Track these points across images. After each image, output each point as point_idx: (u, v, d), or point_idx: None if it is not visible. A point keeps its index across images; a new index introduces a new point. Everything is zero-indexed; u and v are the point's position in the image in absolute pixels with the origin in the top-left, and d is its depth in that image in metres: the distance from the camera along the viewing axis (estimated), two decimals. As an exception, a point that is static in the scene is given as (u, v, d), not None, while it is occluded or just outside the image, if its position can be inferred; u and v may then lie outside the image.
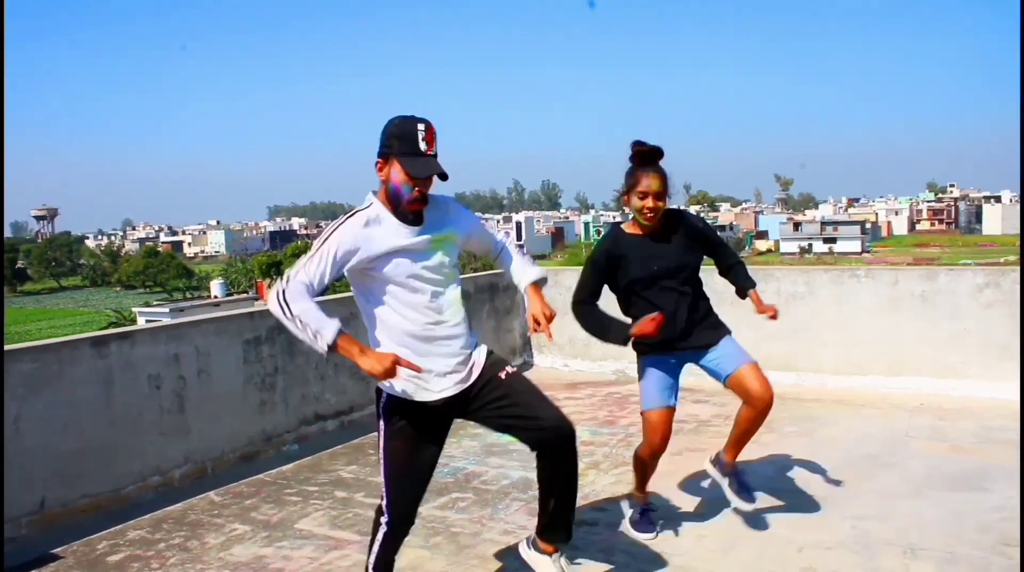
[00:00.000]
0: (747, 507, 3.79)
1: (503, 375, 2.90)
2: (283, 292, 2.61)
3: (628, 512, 3.87)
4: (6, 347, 3.88)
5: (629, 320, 3.50)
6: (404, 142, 2.70)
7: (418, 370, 2.68)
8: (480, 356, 2.93)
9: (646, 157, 3.43)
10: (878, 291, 6.20)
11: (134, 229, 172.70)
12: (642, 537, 3.72)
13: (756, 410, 3.54)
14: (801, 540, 3.64)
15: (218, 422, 4.75)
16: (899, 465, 4.58)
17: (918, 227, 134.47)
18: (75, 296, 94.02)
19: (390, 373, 2.60)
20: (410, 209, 2.75)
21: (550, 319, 2.89)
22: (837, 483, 4.31)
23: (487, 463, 4.88)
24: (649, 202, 3.39)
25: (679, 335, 3.52)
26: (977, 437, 5.01)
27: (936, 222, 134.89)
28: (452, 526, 3.94)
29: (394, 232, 2.74)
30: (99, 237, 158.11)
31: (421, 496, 2.94)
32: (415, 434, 2.86)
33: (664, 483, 4.29)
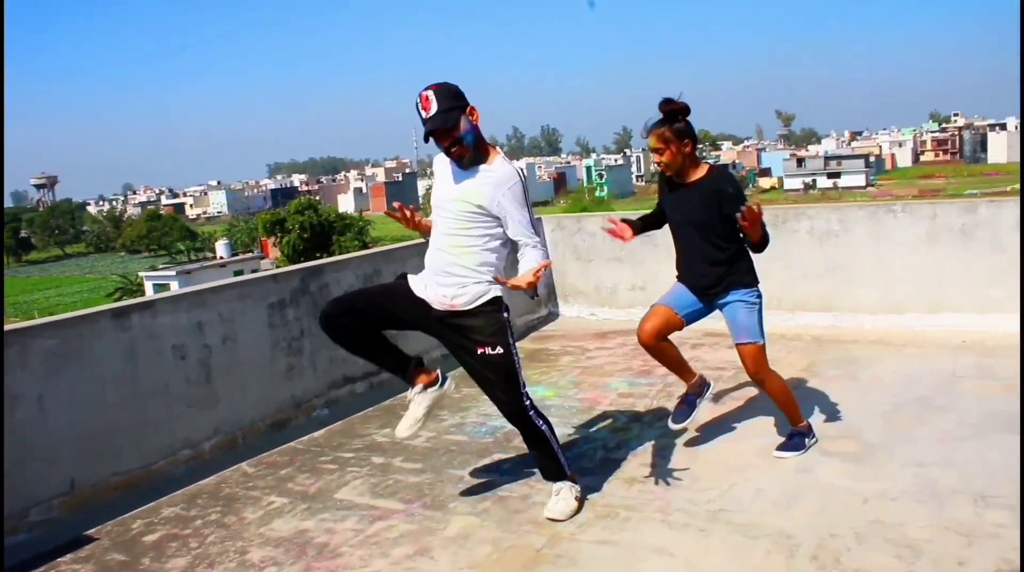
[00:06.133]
0: (673, 426, 3.98)
1: (479, 351, 3.37)
2: None
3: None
4: (23, 324, 3.71)
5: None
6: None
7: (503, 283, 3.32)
8: (463, 299, 3.40)
9: (664, 116, 3.71)
10: (916, 226, 5.98)
11: (135, 193, 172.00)
12: (674, 427, 3.97)
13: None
14: (864, 491, 3.49)
15: (246, 390, 4.59)
16: (953, 407, 4.41)
17: (922, 159, 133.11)
18: (80, 263, 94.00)
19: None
20: (453, 158, 3.36)
21: (530, 284, 3.23)
22: (891, 428, 4.16)
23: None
24: (654, 157, 3.77)
25: (690, 278, 3.86)
26: (1028, 374, 4.84)
27: (940, 152, 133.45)
28: (499, 490, 3.80)
29: (445, 168, 3.46)
30: (100, 203, 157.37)
31: (352, 307, 3.50)
32: (392, 289, 3.59)
33: (712, 435, 4.15)
